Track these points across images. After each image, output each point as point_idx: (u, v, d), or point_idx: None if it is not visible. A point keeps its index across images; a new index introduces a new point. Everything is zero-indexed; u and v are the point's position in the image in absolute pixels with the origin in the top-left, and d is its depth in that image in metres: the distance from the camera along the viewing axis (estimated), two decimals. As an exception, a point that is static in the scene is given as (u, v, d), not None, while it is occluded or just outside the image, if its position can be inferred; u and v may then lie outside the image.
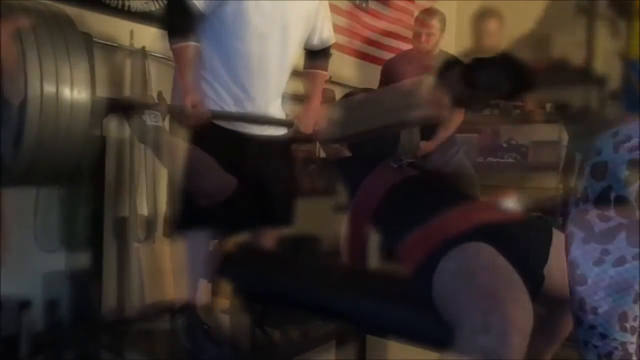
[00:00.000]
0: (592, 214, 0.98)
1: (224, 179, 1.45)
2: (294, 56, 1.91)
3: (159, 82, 1.61)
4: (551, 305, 1.30)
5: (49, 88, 1.09)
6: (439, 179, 1.33)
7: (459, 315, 0.86)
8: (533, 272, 1.19)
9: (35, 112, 1.07)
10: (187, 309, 1.70)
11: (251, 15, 1.69)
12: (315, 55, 2.04)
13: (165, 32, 1.69)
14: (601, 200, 0.97)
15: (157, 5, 2.65)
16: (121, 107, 1.52)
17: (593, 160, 1.00)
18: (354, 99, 1.57)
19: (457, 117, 2.79)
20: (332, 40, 2.08)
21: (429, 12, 2.85)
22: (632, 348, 0.98)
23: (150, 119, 1.49)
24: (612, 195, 0.95)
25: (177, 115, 1.65)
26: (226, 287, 2.52)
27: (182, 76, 1.65)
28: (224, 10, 1.68)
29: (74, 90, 1.13)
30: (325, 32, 2.02)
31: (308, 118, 1.95)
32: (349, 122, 1.49)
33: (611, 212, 0.95)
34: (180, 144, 1.49)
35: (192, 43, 1.65)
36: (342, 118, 1.53)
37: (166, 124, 1.71)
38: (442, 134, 2.74)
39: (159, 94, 1.56)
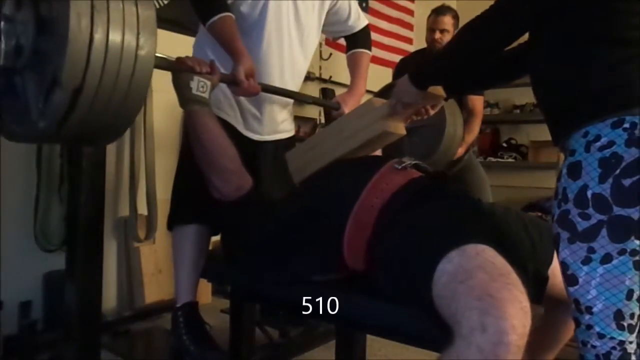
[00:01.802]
0: (574, 213, 0.99)
1: (242, 177, 1.40)
2: (311, 51, 1.89)
3: (159, 81, 1.58)
4: (554, 307, 1.30)
5: (115, 36, 1.00)
6: (445, 182, 1.32)
7: (457, 315, 0.86)
8: (537, 274, 1.19)
9: (98, 59, 0.98)
10: (187, 308, 1.70)
11: (266, 9, 1.70)
12: (353, 38, 2.02)
13: (200, 12, 1.62)
14: (579, 199, 0.98)
15: (157, 5, 2.66)
16: (171, 68, 1.40)
17: (568, 161, 1.02)
18: (311, 139, 1.61)
19: (478, 119, 2.78)
20: (363, 22, 2.04)
21: (442, 10, 2.83)
22: (631, 347, 0.98)
23: (197, 87, 1.37)
24: (589, 193, 0.96)
25: (229, 85, 1.57)
26: (225, 286, 2.52)
27: (230, 45, 1.58)
28: (242, 4, 1.69)
29: (140, 38, 1.03)
30: (352, 18, 1.99)
31: (353, 100, 1.94)
32: (314, 160, 1.52)
33: (590, 210, 0.96)
34: (215, 127, 1.40)
35: (230, 14, 1.60)
36: (307, 158, 1.55)
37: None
38: (469, 138, 2.72)
39: (212, 62, 1.45)
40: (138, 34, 1.03)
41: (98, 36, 0.97)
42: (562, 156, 1.06)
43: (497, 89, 4.26)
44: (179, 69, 1.39)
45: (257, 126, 1.80)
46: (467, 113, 2.73)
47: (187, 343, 1.64)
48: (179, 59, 1.42)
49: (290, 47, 1.78)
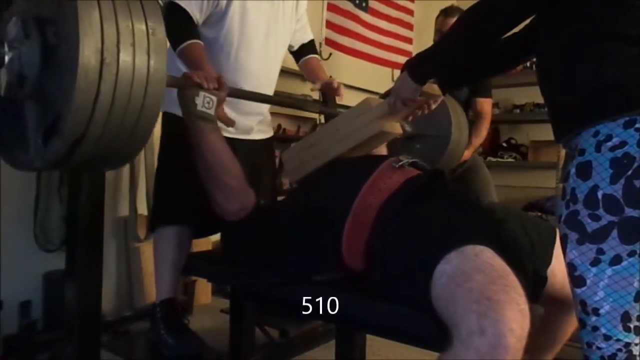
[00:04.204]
0: (583, 214, 0.97)
1: (246, 195, 1.37)
2: (280, 59, 1.99)
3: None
4: (554, 306, 1.30)
5: (125, 56, 0.92)
6: (443, 180, 1.32)
7: (456, 317, 0.86)
8: (536, 274, 1.19)
9: (105, 107, 0.92)
10: (165, 304, 1.72)
11: (237, 24, 1.77)
12: (307, 45, 2.12)
13: (171, 39, 1.69)
14: (589, 199, 0.96)
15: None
16: (178, 85, 1.38)
17: (577, 160, 0.99)
18: (307, 138, 1.61)
19: (486, 122, 2.77)
20: (311, 37, 2.16)
21: (451, 11, 2.80)
22: (636, 349, 0.97)
23: (202, 103, 1.34)
24: (600, 194, 0.95)
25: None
26: (225, 286, 2.52)
27: (201, 66, 1.62)
28: (214, 20, 1.76)
29: (151, 58, 0.96)
30: (308, 34, 2.12)
31: (333, 84, 1.98)
32: (311, 160, 1.52)
33: (601, 211, 0.95)
34: (220, 144, 1.38)
35: (199, 41, 1.68)
36: (304, 157, 1.56)
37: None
38: (477, 141, 2.71)
39: (219, 77, 1.42)
40: (147, 81, 0.97)
41: (105, 87, 0.92)
42: (562, 156, 1.05)
43: (497, 88, 4.27)
44: (186, 85, 1.37)
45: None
46: (475, 115, 2.71)
47: (165, 336, 1.67)
48: (186, 74, 1.41)
49: (264, 56, 1.86)
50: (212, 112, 1.37)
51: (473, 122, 2.70)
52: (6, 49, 0.97)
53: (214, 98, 1.37)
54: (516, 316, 0.82)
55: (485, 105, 2.76)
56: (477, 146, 2.72)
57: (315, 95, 3.05)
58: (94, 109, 0.92)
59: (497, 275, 0.89)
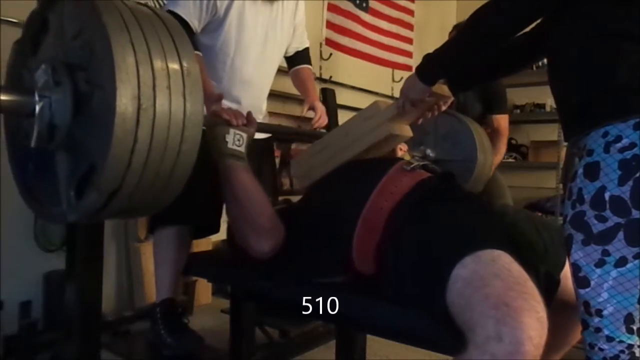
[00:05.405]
0: (590, 215, 0.97)
1: (278, 233, 1.28)
2: (276, 63, 2.00)
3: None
4: (565, 309, 1.28)
5: (162, 100, 0.87)
6: (454, 183, 1.31)
7: (472, 322, 0.84)
8: (549, 277, 1.17)
9: (147, 128, 0.86)
10: (165, 303, 1.72)
11: (234, 31, 1.78)
12: (302, 53, 2.13)
13: None
14: (596, 200, 0.96)
15: (158, 5, 2.65)
16: (207, 123, 1.30)
17: (585, 161, 0.99)
18: (316, 143, 1.58)
19: (504, 138, 2.74)
20: (307, 44, 2.16)
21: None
22: (638, 351, 0.97)
23: (233, 141, 1.29)
24: (607, 195, 0.94)
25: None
26: (225, 286, 2.52)
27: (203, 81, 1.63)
28: (211, 28, 1.77)
29: (187, 101, 0.91)
30: (305, 41, 2.12)
31: (321, 110, 1.99)
32: (320, 165, 1.50)
33: (607, 212, 0.94)
34: (251, 183, 1.31)
35: (198, 52, 1.68)
36: (313, 162, 1.53)
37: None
38: (497, 159, 2.64)
39: (249, 113, 1.38)
40: (184, 125, 0.91)
41: (143, 134, 0.86)
42: (562, 156, 1.04)
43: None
44: (215, 123, 1.32)
45: None
46: (493, 132, 2.68)
47: (164, 336, 1.67)
48: (214, 112, 1.37)
49: (261, 62, 1.87)
50: (242, 149, 1.32)
51: (491, 139, 2.68)
52: (36, 98, 0.92)
53: (244, 135, 1.32)
54: (535, 324, 0.81)
55: (502, 121, 2.73)
56: (497, 164, 2.66)
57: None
58: (131, 158, 0.86)
59: (514, 281, 0.88)
